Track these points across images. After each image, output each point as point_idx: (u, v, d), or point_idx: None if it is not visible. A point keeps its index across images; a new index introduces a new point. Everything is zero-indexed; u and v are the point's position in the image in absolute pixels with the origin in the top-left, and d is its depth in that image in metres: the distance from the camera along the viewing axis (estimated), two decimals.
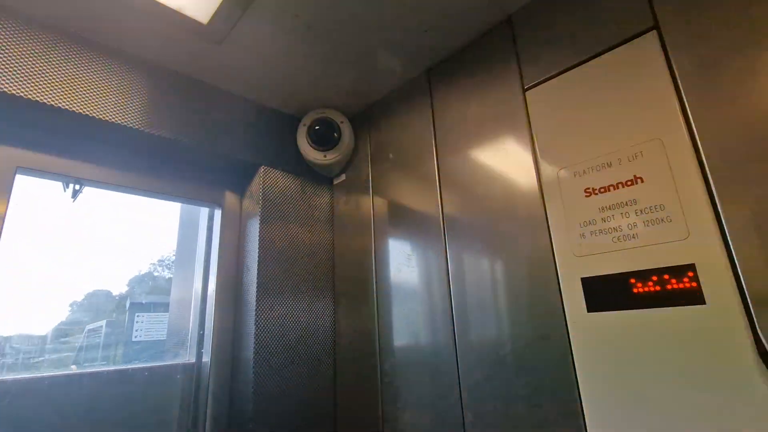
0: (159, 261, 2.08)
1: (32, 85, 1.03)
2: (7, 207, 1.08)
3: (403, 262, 1.31)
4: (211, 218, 1.53)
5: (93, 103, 1.11)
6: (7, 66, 1.01)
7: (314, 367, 1.39)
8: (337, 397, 1.42)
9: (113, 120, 1.14)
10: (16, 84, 1.01)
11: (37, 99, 1.03)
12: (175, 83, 1.30)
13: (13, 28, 1.03)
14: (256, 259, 1.34)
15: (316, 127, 1.53)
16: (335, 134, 1.54)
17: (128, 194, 1.37)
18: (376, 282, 1.38)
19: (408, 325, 1.25)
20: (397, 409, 1.22)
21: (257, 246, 1.36)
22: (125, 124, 1.16)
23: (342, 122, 1.56)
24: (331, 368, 1.44)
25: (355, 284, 1.46)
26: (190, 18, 1.08)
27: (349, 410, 1.37)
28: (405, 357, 1.24)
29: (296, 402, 1.31)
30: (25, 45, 1.04)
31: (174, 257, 2.04)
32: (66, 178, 1.18)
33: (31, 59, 1.05)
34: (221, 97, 1.42)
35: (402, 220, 1.35)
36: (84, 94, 1.11)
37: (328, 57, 1.29)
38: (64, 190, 1.18)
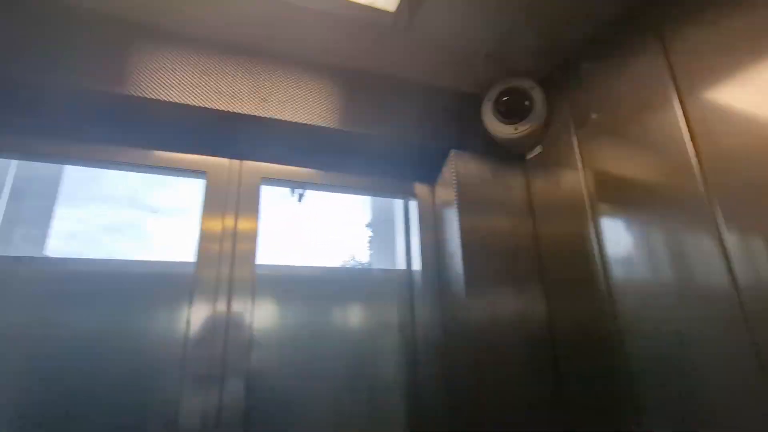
0: (344, 262, 2.31)
1: (263, 103, 1.20)
2: (258, 218, 1.25)
3: (638, 245, 1.05)
4: (406, 210, 1.55)
5: (303, 111, 1.24)
6: (249, 92, 1.20)
7: (530, 361, 1.26)
8: (563, 394, 1.25)
9: (315, 123, 1.25)
10: (254, 106, 1.19)
11: (271, 116, 1.20)
12: (360, 79, 1.36)
13: (235, 61, 1.23)
14: (460, 247, 1.29)
15: (504, 99, 1.39)
16: (526, 102, 1.37)
17: (333, 192, 1.50)
18: (603, 270, 1.15)
19: (660, 323, 0.99)
20: (645, 419, 0.99)
21: (458, 234, 1.30)
22: (325, 125, 1.26)
23: (532, 88, 1.38)
24: (551, 364, 1.28)
25: (572, 271, 1.25)
26: (380, 9, 1.09)
27: (583, 411, 1.19)
28: (657, 361, 0.99)
29: (515, 394, 1.21)
30: (257, 73, 1.23)
31: (354, 260, 2.20)
32: (293, 184, 1.35)
33: (268, 84, 1.23)
34: (403, 85, 1.42)
35: (630, 191, 1.09)
36: (296, 104, 1.24)
37: (511, 13, 1.14)
38: (291, 195, 1.36)
